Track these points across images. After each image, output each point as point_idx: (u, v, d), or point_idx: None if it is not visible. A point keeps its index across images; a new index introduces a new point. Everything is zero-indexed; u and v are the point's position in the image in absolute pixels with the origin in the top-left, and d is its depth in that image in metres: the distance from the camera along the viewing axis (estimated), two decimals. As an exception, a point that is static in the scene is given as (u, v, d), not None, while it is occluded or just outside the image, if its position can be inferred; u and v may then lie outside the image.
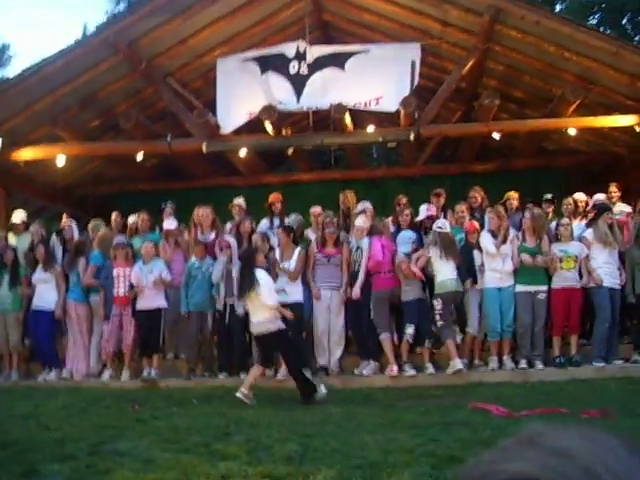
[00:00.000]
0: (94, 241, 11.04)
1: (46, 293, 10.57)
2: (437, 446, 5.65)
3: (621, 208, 10.94)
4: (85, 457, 5.66)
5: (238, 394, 8.30)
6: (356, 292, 9.71)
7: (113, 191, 15.33)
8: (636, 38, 21.88)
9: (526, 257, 9.61)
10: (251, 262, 8.67)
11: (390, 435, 6.22)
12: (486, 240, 9.77)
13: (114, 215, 11.82)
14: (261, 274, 8.52)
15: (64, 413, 7.89)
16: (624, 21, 22.94)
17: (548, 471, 0.69)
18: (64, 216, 12.05)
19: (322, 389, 8.33)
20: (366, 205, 10.80)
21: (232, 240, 10.38)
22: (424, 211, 10.52)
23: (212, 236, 10.69)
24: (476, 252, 9.86)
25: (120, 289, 10.22)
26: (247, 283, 8.43)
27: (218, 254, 10.28)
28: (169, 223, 10.94)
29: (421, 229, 10.46)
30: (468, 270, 9.77)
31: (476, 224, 10.08)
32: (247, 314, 9.77)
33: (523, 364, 9.52)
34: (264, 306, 8.39)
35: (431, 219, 10.26)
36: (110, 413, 7.91)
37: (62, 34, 72.53)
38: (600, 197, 10.70)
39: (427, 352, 9.66)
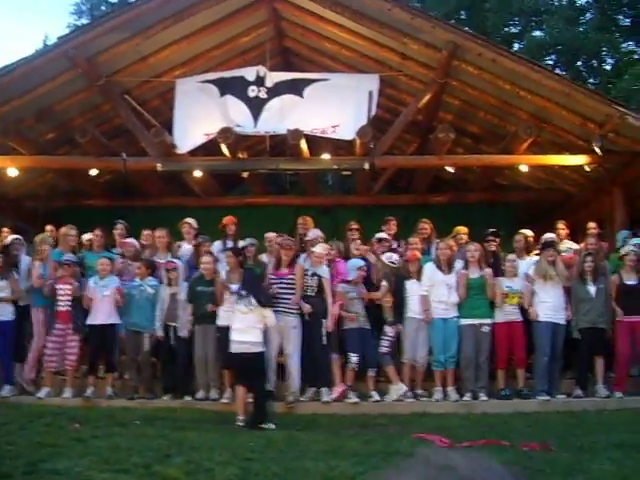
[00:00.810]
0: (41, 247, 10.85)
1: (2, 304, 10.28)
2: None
3: (568, 245, 11.16)
4: (21, 476, 5.51)
5: (239, 423, 8.35)
6: (329, 325, 9.61)
7: (64, 205, 15.14)
8: (590, 81, 22.44)
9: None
10: (256, 284, 8.91)
11: (332, 462, 6.20)
12: (430, 270, 9.87)
13: (49, 228, 11.62)
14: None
15: (2, 430, 7.70)
16: (579, 63, 23.53)
17: None
18: (4, 230, 11.80)
19: (271, 425, 8.30)
20: (317, 233, 10.83)
21: (179, 262, 10.29)
22: (382, 234, 10.72)
23: (167, 258, 10.57)
24: (410, 282, 9.91)
25: (61, 305, 10.08)
26: (260, 300, 8.55)
27: (163, 276, 10.19)
28: (129, 240, 10.86)
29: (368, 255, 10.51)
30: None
31: (417, 254, 10.17)
32: (191, 337, 9.78)
33: (468, 397, 9.58)
34: (256, 327, 8.48)
35: (385, 241, 10.45)
36: (50, 431, 7.73)
37: (24, 43, 72.06)
38: (548, 236, 10.88)
39: (372, 380, 9.67)
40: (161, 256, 10.64)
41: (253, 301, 8.54)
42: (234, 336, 8.51)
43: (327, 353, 9.68)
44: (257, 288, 8.80)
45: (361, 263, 9.99)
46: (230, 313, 9.39)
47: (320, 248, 9.96)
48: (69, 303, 10.09)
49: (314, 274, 9.71)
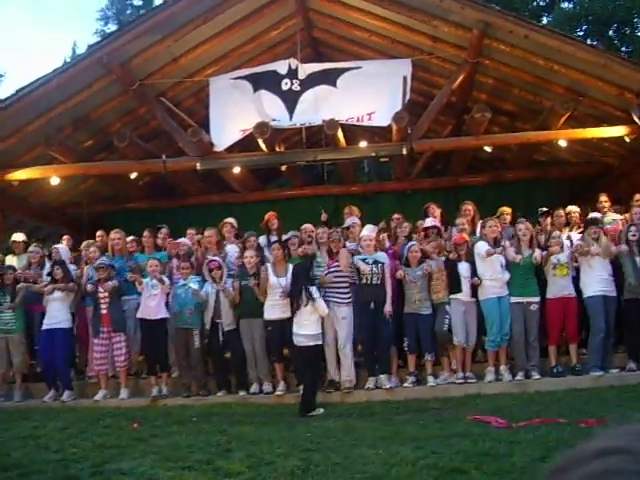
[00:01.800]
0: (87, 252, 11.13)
1: (59, 312, 10.54)
2: (439, 458, 5.69)
3: (612, 217, 11.04)
4: (89, 478, 5.67)
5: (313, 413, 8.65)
6: (388, 309, 9.64)
7: (107, 210, 15.38)
8: (622, 49, 22.08)
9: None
10: (307, 276, 9.22)
11: (391, 448, 6.25)
12: (481, 246, 9.83)
13: (99, 233, 11.85)
14: (313, 289, 9.07)
15: (64, 434, 7.88)
16: (610, 32, 23.16)
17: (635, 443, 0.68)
18: (64, 238, 12.10)
19: (320, 410, 8.62)
20: (355, 220, 10.88)
21: (221, 261, 10.38)
22: (430, 221, 10.67)
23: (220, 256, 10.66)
24: (462, 264, 9.88)
25: (103, 308, 10.29)
26: (305, 296, 8.97)
27: (207, 276, 10.29)
28: (181, 240, 11.01)
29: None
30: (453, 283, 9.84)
31: (465, 236, 10.14)
32: (236, 330, 9.90)
33: (520, 376, 9.55)
34: (315, 320, 9.04)
35: (436, 229, 10.43)
36: (110, 432, 7.90)
37: (49, 53, 72.92)
38: (594, 215, 10.78)
39: (428, 365, 9.71)
40: (211, 255, 10.72)
41: (305, 294, 8.79)
42: (294, 329, 9.04)
43: (388, 340, 9.74)
44: (307, 281, 9.11)
45: (413, 244, 10.00)
46: (276, 307, 9.56)
47: (368, 230, 9.99)
48: (108, 305, 10.29)
49: (376, 261, 9.72)
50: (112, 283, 10.28)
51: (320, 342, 9.19)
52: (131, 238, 11.34)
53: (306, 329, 8.94)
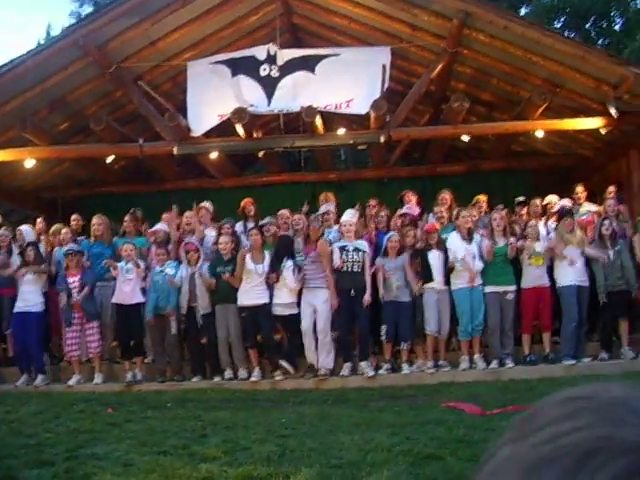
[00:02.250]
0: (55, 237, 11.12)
1: (31, 294, 10.44)
2: (414, 445, 5.72)
3: (588, 208, 11.13)
4: (63, 462, 5.64)
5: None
6: (367, 299, 9.68)
7: (82, 194, 15.23)
8: (599, 42, 22.23)
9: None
10: (287, 249, 9.78)
11: (366, 435, 6.28)
12: (454, 240, 9.88)
13: (74, 217, 11.77)
14: (288, 261, 9.62)
15: (37, 419, 7.84)
16: (588, 25, 23.30)
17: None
18: (38, 220, 11.99)
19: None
20: (330, 207, 10.90)
21: (197, 243, 10.36)
22: (406, 208, 10.75)
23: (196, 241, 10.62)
24: (433, 253, 9.90)
25: (75, 297, 10.23)
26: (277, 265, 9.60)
27: (183, 258, 10.26)
28: (158, 226, 10.95)
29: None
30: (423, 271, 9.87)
31: (436, 225, 10.17)
32: (212, 315, 9.91)
33: (494, 364, 9.64)
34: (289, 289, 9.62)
35: (411, 217, 10.47)
36: (84, 417, 7.88)
37: (22, 35, 71.91)
38: (564, 202, 10.87)
39: (404, 353, 9.76)
40: (190, 238, 10.67)
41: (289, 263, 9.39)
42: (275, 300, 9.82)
43: (367, 327, 9.78)
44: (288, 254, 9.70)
45: (392, 234, 10.03)
46: (251, 292, 9.60)
47: (348, 215, 9.99)
48: (78, 293, 10.24)
49: (356, 249, 9.72)
50: (85, 292, 10.22)
51: (295, 311, 9.61)
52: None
53: (280, 298, 9.30)
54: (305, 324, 9.59)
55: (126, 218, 11.27)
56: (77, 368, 10.28)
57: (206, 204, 11.43)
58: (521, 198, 11.32)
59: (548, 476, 0.61)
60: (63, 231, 11.14)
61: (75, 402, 8.84)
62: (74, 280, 10.25)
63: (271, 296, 9.80)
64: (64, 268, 10.42)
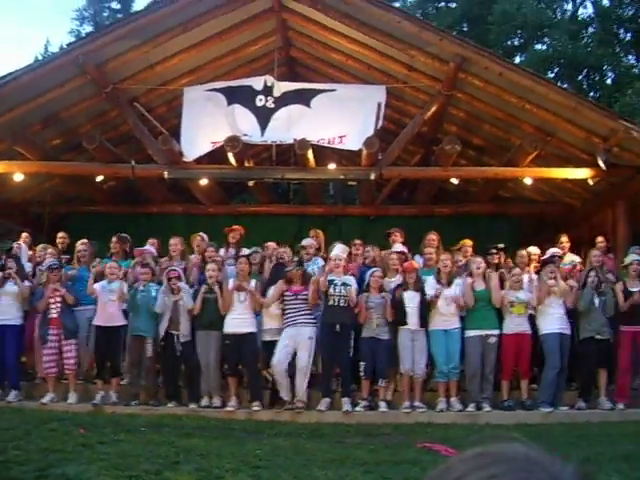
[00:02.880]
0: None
1: (10, 307, 10.29)
2: (389, 483, 5.69)
3: (571, 258, 11.22)
4: (33, 481, 5.55)
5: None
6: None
7: (69, 210, 15.19)
8: (590, 94, 22.55)
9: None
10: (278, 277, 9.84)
11: (340, 471, 6.23)
12: (429, 285, 9.91)
13: (60, 235, 11.70)
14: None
15: (7, 435, 7.70)
16: (580, 77, 23.66)
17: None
18: (24, 235, 11.93)
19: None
20: (311, 241, 10.94)
21: (180, 271, 10.32)
22: (399, 246, 10.77)
23: (182, 266, 10.60)
24: (409, 293, 9.87)
25: (53, 312, 10.13)
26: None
27: (165, 284, 10.21)
28: (146, 247, 10.93)
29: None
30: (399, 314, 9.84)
31: (415, 264, 10.19)
32: (191, 342, 9.84)
33: (471, 407, 9.61)
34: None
35: (402, 254, 10.47)
36: (56, 437, 7.75)
37: (20, 49, 72.17)
38: (553, 251, 10.93)
39: (382, 390, 9.72)
40: (175, 264, 10.65)
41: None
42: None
43: (350, 364, 9.76)
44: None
45: (375, 270, 10.04)
46: (237, 320, 9.57)
47: (338, 250, 10.00)
48: (59, 309, 10.14)
49: (344, 284, 9.73)
50: (68, 294, 10.14)
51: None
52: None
53: (267, 324, 9.81)
54: (279, 358, 9.51)
55: (113, 239, 11.19)
56: (52, 386, 10.14)
57: (202, 235, 11.40)
58: (501, 245, 11.31)
59: None
60: (48, 251, 11.07)
61: (47, 420, 8.69)
62: (55, 296, 10.15)
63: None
64: (44, 283, 10.31)
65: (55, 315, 10.13)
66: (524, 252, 10.93)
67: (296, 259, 10.13)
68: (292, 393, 9.66)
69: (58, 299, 10.14)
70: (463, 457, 0.81)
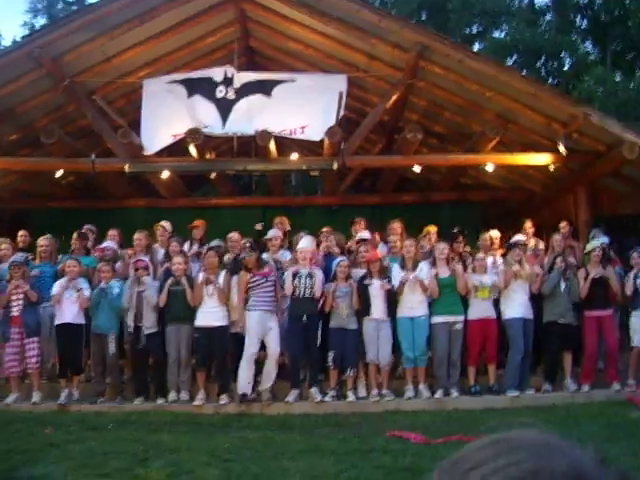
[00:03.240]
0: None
1: None
2: (359, 473, 5.71)
3: (534, 244, 11.33)
4: (-2, 483, 5.47)
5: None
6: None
7: (28, 207, 14.95)
8: (549, 81, 22.74)
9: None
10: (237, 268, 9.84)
11: (311, 461, 6.24)
12: (394, 274, 9.93)
13: (21, 233, 11.48)
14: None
15: (-30, 437, 7.60)
16: (538, 65, 23.85)
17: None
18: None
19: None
20: (276, 232, 10.90)
21: (148, 261, 10.22)
22: (366, 234, 10.79)
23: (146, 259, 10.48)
24: (374, 282, 9.86)
25: (15, 310, 9.96)
26: None
27: (131, 274, 10.11)
28: (105, 244, 10.78)
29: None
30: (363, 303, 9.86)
31: (378, 253, 10.21)
32: (158, 334, 9.76)
33: (439, 393, 9.66)
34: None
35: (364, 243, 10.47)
36: (21, 437, 7.65)
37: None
38: (518, 238, 10.99)
39: (350, 380, 9.72)
40: (140, 255, 10.52)
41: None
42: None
43: (318, 354, 9.74)
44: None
45: (342, 259, 10.05)
46: (208, 314, 9.52)
47: (306, 242, 9.98)
48: (21, 307, 9.97)
49: (309, 275, 9.71)
50: (31, 292, 9.97)
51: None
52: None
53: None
54: (252, 349, 9.50)
55: (73, 236, 11.00)
56: (15, 386, 9.97)
57: (164, 223, 11.29)
58: (456, 229, 11.35)
59: None
60: (3, 246, 10.84)
61: (12, 421, 8.58)
62: (17, 293, 9.98)
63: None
64: (7, 280, 10.11)
65: (17, 313, 9.95)
66: (487, 235, 10.99)
67: (247, 245, 10.05)
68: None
69: (20, 296, 9.96)
70: (479, 444, 0.80)
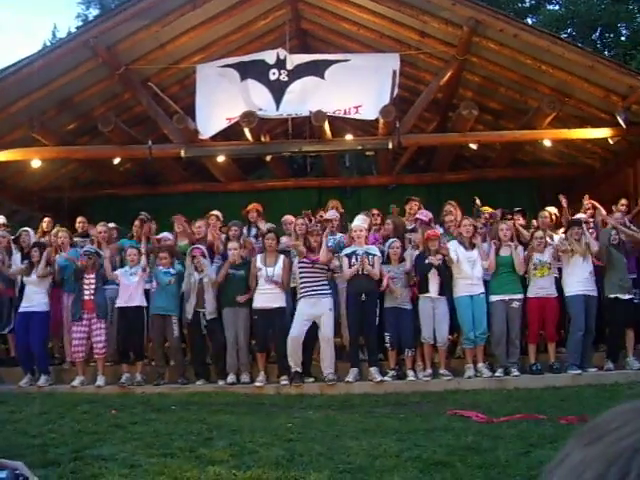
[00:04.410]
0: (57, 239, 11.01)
1: (36, 294, 10.39)
2: (422, 451, 5.70)
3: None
4: (69, 463, 5.60)
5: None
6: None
7: (87, 195, 15.25)
8: (605, 53, 22.23)
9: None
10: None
11: (373, 441, 6.25)
12: (453, 247, 9.86)
13: (79, 219, 11.74)
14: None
15: (42, 419, 7.80)
16: (594, 37, 23.34)
17: None
18: (47, 220, 11.96)
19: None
20: (335, 213, 10.90)
21: (204, 249, 10.34)
22: (425, 213, 10.72)
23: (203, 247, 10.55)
24: (430, 260, 9.79)
25: (86, 295, 10.20)
26: None
27: (189, 263, 10.24)
28: (163, 235, 10.96)
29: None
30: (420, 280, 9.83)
31: (437, 232, 10.14)
32: (218, 319, 9.88)
33: (499, 372, 9.59)
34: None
35: (425, 224, 10.42)
36: (88, 419, 7.83)
37: (28, 36, 72.06)
38: (579, 216, 10.82)
39: (409, 360, 9.72)
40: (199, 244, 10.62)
41: None
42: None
43: (377, 334, 9.75)
44: None
45: (393, 241, 10.03)
46: (265, 296, 9.58)
47: (359, 221, 9.99)
48: (93, 292, 10.21)
49: (367, 253, 9.71)
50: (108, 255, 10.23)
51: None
52: (112, 225, 11.28)
53: None
54: (296, 332, 9.51)
55: (136, 223, 11.18)
56: (81, 369, 10.23)
57: (216, 212, 11.39)
58: (517, 208, 11.22)
59: (637, 462, 0.68)
60: (60, 234, 11.06)
61: (79, 403, 8.79)
62: (89, 279, 10.24)
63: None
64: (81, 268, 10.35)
65: (87, 297, 10.19)
66: (546, 213, 10.84)
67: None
68: (304, 366, 9.72)
69: (92, 281, 10.20)
70: (620, 409, 0.81)
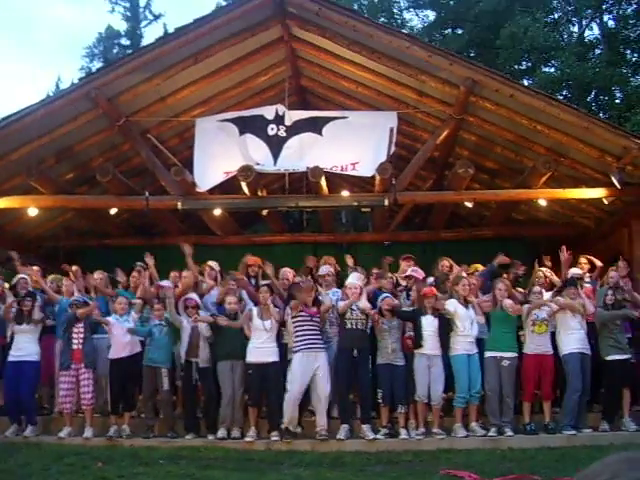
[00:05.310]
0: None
1: (27, 344, 10.31)
2: (414, 510, 5.60)
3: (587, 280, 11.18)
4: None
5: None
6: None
7: (82, 244, 15.25)
8: (600, 115, 22.54)
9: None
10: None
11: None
12: (452, 306, 9.83)
13: (74, 268, 11.70)
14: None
15: (26, 470, 7.69)
16: (589, 99, 23.68)
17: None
18: (35, 269, 11.90)
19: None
20: (328, 268, 10.91)
21: (197, 299, 10.31)
22: (415, 270, 10.75)
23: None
24: (426, 318, 9.78)
25: (75, 344, 10.13)
26: None
27: (182, 313, 10.19)
28: (164, 282, 10.94)
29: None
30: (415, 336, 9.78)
31: (434, 289, 10.13)
32: (214, 374, 9.78)
33: (493, 432, 9.46)
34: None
35: (415, 280, 10.45)
36: (74, 471, 7.72)
37: (32, 87, 73.03)
38: (574, 272, 10.86)
39: (402, 417, 9.61)
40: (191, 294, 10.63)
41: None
42: None
43: (369, 390, 9.67)
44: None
45: (386, 296, 10.01)
46: (260, 350, 9.51)
47: (354, 279, 9.98)
48: (82, 341, 10.13)
49: (359, 308, 9.70)
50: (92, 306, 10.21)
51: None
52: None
53: None
54: (296, 388, 9.40)
55: (133, 274, 11.28)
56: (68, 420, 10.09)
57: (211, 263, 11.40)
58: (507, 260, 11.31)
59: None
60: (65, 283, 11.10)
61: (65, 455, 8.67)
62: (78, 327, 10.16)
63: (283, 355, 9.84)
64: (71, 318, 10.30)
65: (76, 347, 10.11)
66: (540, 273, 10.88)
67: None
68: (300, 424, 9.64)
69: (81, 330, 10.13)
70: (612, 460, 0.81)
